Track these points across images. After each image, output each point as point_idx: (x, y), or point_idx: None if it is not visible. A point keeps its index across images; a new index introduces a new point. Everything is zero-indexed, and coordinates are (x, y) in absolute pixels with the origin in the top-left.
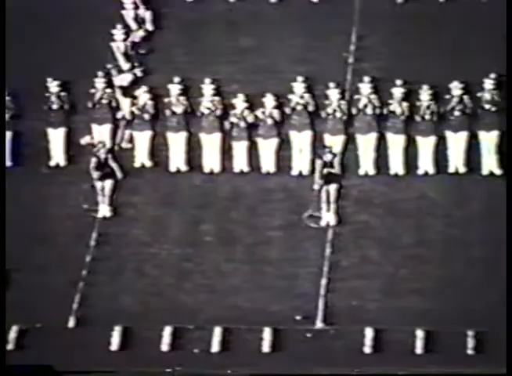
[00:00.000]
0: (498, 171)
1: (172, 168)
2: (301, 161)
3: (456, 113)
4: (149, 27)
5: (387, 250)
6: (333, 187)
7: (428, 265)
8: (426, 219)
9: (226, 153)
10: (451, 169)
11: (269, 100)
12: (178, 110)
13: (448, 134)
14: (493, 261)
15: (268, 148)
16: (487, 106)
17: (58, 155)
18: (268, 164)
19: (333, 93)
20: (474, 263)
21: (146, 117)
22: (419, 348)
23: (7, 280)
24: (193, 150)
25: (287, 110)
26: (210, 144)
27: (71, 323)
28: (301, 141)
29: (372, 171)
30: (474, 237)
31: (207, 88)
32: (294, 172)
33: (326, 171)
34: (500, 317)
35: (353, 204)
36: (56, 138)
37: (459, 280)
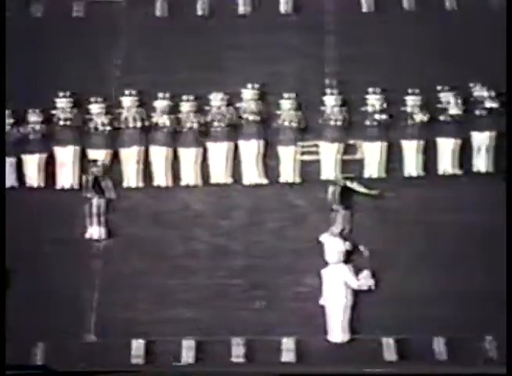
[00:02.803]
0: (264, 181)
1: None
2: (68, 175)
3: (216, 123)
4: None
5: (155, 261)
6: (101, 201)
7: (195, 276)
8: (191, 230)
9: None
10: (214, 180)
11: (34, 116)
12: None
13: (210, 144)
14: (257, 270)
15: (33, 162)
16: (245, 116)
17: None
18: (34, 178)
19: (95, 107)
20: (240, 272)
21: None
22: (189, 358)
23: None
24: None
25: (56, 126)
26: None
27: None
28: (66, 155)
29: (137, 184)
30: (238, 247)
31: None
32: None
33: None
34: (267, 325)
35: (121, 216)
36: None
37: (225, 289)
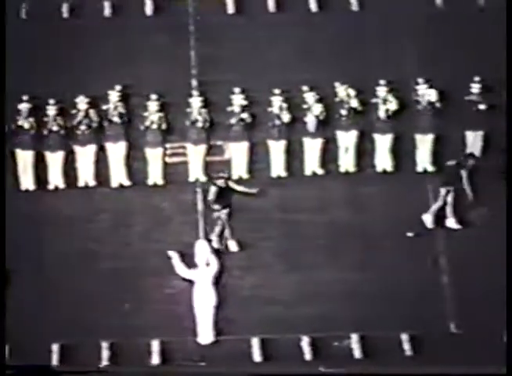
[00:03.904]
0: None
1: None
2: None
3: (83, 126)
4: None
5: (22, 265)
6: None
7: (64, 279)
8: (60, 233)
9: None
10: (81, 183)
11: None
12: None
13: (76, 148)
14: (125, 273)
15: None
16: (111, 118)
17: None
18: None
19: None
20: (106, 276)
21: None
22: (55, 361)
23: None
24: None
25: None
26: None
27: None
28: None
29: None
30: (106, 250)
31: None
32: None
33: None
34: (135, 327)
35: None
36: None
37: (93, 292)
